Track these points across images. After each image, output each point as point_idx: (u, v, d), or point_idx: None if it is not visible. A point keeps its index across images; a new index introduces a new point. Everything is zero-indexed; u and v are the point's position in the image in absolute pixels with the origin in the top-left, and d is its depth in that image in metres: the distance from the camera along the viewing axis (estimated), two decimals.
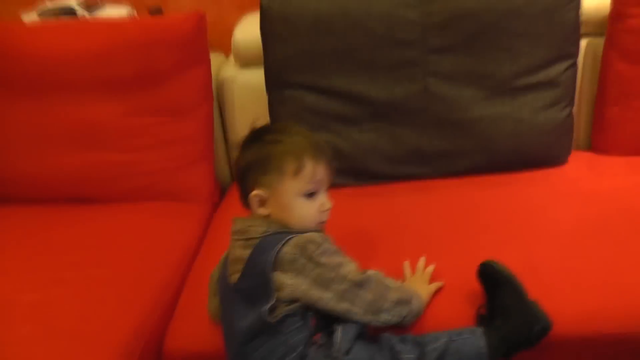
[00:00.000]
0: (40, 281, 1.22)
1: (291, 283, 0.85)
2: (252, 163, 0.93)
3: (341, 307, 0.86)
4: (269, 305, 0.84)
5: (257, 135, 0.97)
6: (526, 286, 0.95)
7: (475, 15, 1.35)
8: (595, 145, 1.50)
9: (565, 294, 1.00)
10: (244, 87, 1.58)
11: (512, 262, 0.98)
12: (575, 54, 1.41)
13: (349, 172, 1.42)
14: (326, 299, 0.85)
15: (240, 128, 1.59)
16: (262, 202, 0.93)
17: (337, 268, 0.86)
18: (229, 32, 1.60)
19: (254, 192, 0.92)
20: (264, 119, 1.50)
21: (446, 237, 1.20)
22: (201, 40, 1.45)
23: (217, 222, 1.45)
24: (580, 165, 1.43)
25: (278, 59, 1.42)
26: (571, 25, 1.38)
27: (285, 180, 0.91)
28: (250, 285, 0.88)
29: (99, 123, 1.47)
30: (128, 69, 1.43)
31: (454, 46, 1.37)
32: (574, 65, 1.41)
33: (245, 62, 1.58)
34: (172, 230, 1.41)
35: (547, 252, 1.11)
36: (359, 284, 0.87)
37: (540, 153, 1.42)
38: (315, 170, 0.92)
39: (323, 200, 0.95)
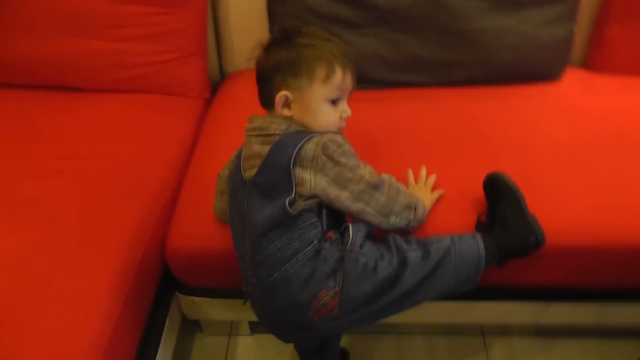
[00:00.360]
0: (36, 171, 1.21)
1: (311, 179, 0.87)
2: (282, 64, 0.92)
3: (356, 206, 0.89)
4: (289, 197, 0.87)
5: (287, 37, 0.95)
6: None
7: None
8: (591, 63, 1.51)
9: (557, 207, 1.06)
10: None
11: (508, 173, 1.02)
12: None
13: None
14: (343, 197, 0.88)
15: (234, 23, 1.54)
16: (287, 104, 0.93)
17: (355, 169, 0.89)
18: None
19: (282, 93, 0.92)
20: (261, 16, 1.47)
21: (444, 145, 1.23)
22: None
23: (211, 118, 1.44)
24: (574, 82, 1.45)
25: None
26: None
27: (315, 84, 0.92)
28: (269, 179, 0.90)
29: (85, 7, 1.39)
30: None
31: None
32: None
33: None
34: (166, 124, 1.40)
35: (542, 166, 1.15)
36: (375, 186, 0.90)
37: (537, 68, 1.43)
38: (343, 78, 0.93)
39: (344, 107, 0.96)
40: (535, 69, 1.43)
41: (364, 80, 1.40)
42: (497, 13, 1.37)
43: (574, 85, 1.44)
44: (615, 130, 1.25)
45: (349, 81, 0.95)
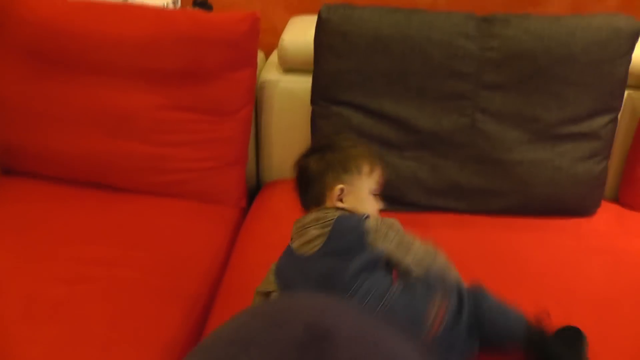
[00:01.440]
0: (65, 275, 1.20)
1: (379, 245, 1.01)
2: (333, 163, 1.10)
3: (417, 271, 1.01)
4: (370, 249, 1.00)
5: (328, 143, 1.19)
6: None
7: (532, 56, 1.35)
8: (623, 199, 1.54)
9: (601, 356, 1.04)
10: (286, 93, 1.56)
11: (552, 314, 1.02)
12: (618, 108, 1.43)
13: (385, 198, 1.43)
14: (406, 262, 1.02)
15: (276, 134, 1.59)
16: (341, 197, 1.08)
17: (412, 239, 1.05)
18: (272, 31, 1.58)
19: (340, 186, 1.08)
20: (302, 128, 1.51)
21: (481, 275, 1.22)
22: (252, 43, 1.42)
23: (246, 228, 1.45)
24: (609, 219, 1.47)
25: (329, 73, 1.41)
26: (619, 79, 1.40)
27: (363, 178, 1.11)
28: (341, 243, 1.01)
29: (132, 112, 1.44)
30: (172, 61, 1.40)
31: (506, 84, 1.38)
32: (615, 119, 1.44)
33: (289, 68, 1.57)
34: (201, 232, 1.40)
35: (583, 309, 1.14)
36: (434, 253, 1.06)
37: (573, 203, 1.45)
38: (381, 174, 1.14)
39: (379, 201, 1.14)
40: (571, 203, 1.45)
41: (402, 203, 1.45)
42: (535, 145, 1.41)
43: (609, 222, 1.45)
44: None
45: (382, 177, 1.15)
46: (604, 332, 1.09)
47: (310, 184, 1.11)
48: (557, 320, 1.02)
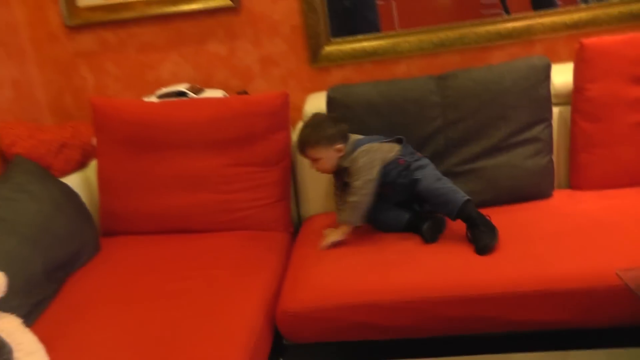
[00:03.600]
0: (165, 290, 1.73)
1: None
2: None
3: None
4: None
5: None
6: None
7: (477, 95, 2.02)
8: (572, 184, 2.13)
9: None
10: None
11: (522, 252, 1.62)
12: (549, 118, 2.06)
13: None
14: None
15: (308, 178, 2.21)
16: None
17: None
18: (295, 108, 2.26)
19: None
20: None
21: None
22: (286, 112, 2.09)
23: (297, 248, 2.00)
24: (562, 198, 2.05)
25: None
26: (544, 97, 2.04)
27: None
28: None
29: (205, 172, 2.08)
30: (230, 132, 2.06)
31: (465, 117, 2.02)
32: (549, 125, 2.06)
33: None
34: (264, 252, 1.95)
35: (542, 243, 1.71)
36: None
37: (531, 190, 2.03)
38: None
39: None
40: (529, 191, 2.03)
41: None
42: (494, 154, 2.03)
43: (562, 199, 2.03)
44: (594, 221, 1.80)
45: None
46: (555, 254, 1.66)
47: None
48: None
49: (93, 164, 2.26)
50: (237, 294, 1.68)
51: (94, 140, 2.20)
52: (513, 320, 1.57)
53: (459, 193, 1.81)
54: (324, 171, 1.97)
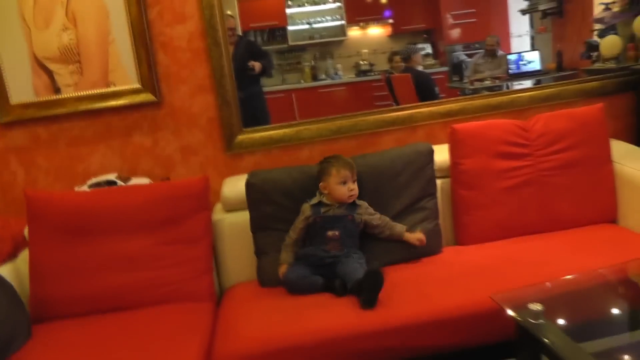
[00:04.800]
0: None
1: None
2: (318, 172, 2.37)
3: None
4: None
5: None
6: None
7: (373, 179, 2.44)
8: (458, 240, 2.57)
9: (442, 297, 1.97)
10: (231, 225, 2.51)
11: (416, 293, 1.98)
12: (434, 192, 2.52)
13: None
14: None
15: (227, 252, 2.50)
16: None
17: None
18: (213, 191, 2.56)
19: (321, 184, 2.37)
20: (245, 247, 2.44)
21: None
22: (206, 195, 2.40)
23: (222, 313, 2.24)
24: (449, 252, 2.47)
25: (260, 214, 2.42)
26: (430, 177, 2.50)
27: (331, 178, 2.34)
28: None
29: (135, 252, 2.30)
30: (157, 215, 2.33)
31: (367, 193, 2.42)
32: (434, 197, 2.51)
33: (229, 209, 2.54)
34: (192, 320, 2.16)
35: (433, 286, 2.08)
36: None
37: (422, 249, 2.40)
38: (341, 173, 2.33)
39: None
40: (422, 250, 2.40)
41: None
42: (395, 221, 2.41)
43: (449, 254, 2.45)
44: (474, 266, 2.22)
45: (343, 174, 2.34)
46: (443, 292, 2.03)
47: None
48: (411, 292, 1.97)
49: (23, 255, 2.41)
50: (172, 356, 1.89)
51: (26, 232, 2.38)
52: (413, 346, 1.91)
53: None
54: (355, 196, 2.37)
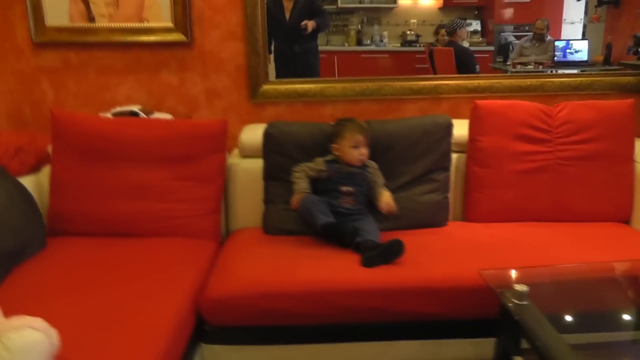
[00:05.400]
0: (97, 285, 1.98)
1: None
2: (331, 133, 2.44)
3: None
4: None
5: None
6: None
7: (389, 146, 2.48)
8: (466, 217, 2.59)
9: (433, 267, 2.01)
10: (244, 171, 2.57)
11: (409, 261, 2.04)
12: (448, 167, 2.55)
13: None
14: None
15: (237, 196, 2.58)
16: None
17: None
18: (232, 137, 2.63)
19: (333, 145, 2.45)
20: (255, 194, 2.51)
21: None
22: (224, 137, 2.47)
23: (222, 253, 2.32)
24: (455, 226, 2.51)
25: (273, 164, 2.49)
26: (445, 151, 2.53)
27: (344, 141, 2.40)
28: None
29: (149, 183, 2.40)
30: (174, 150, 2.41)
31: (381, 159, 2.45)
32: (447, 171, 2.54)
33: (245, 155, 2.61)
34: (193, 254, 2.26)
35: (431, 255, 2.12)
36: None
37: (427, 220, 2.47)
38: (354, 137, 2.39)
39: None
40: (425, 220, 2.47)
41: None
42: (400, 190, 2.46)
43: (454, 228, 2.49)
44: (474, 243, 2.26)
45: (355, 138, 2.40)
46: (436, 263, 2.07)
47: None
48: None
49: (46, 170, 2.53)
50: (167, 284, 1.98)
51: (50, 148, 2.50)
52: (396, 310, 1.96)
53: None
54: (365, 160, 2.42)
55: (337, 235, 2.22)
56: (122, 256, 2.21)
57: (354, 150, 2.36)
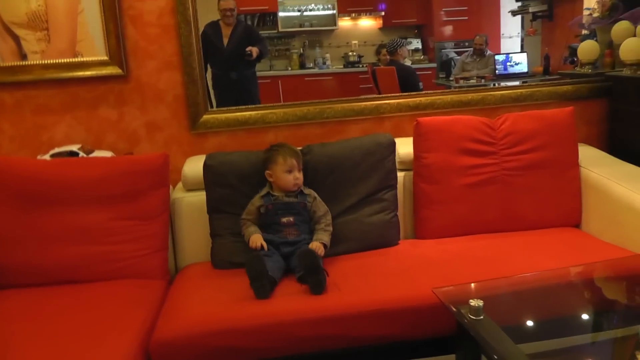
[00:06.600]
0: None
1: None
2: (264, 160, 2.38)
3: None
4: None
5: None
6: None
7: (332, 169, 2.46)
8: (417, 234, 2.60)
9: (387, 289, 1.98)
10: (189, 204, 2.53)
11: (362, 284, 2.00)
12: (394, 184, 2.55)
13: None
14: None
15: (184, 231, 2.52)
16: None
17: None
18: (175, 170, 2.58)
19: (267, 172, 2.40)
20: (202, 227, 2.45)
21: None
22: (165, 171, 2.42)
23: (170, 292, 2.26)
24: (406, 245, 2.51)
25: (215, 197, 2.44)
26: (390, 169, 2.53)
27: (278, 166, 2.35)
28: None
29: (91, 225, 2.32)
30: (116, 188, 2.35)
31: (324, 185, 2.44)
32: (394, 189, 2.54)
33: (189, 188, 2.57)
34: (141, 296, 2.18)
35: (385, 277, 2.09)
36: None
37: (377, 240, 2.46)
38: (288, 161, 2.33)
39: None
40: (378, 240, 2.46)
41: None
42: (348, 212, 2.46)
43: (406, 247, 2.49)
44: (427, 260, 2.26)
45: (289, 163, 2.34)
46: (390, 284, 2.05)
47: None
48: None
49: None
50: (116, 331, 1.91)
51: None
52: (353, 336, 1.93)
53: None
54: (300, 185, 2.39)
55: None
56: (68, 305, 2.13)
57: (288, 175, 2.34)
